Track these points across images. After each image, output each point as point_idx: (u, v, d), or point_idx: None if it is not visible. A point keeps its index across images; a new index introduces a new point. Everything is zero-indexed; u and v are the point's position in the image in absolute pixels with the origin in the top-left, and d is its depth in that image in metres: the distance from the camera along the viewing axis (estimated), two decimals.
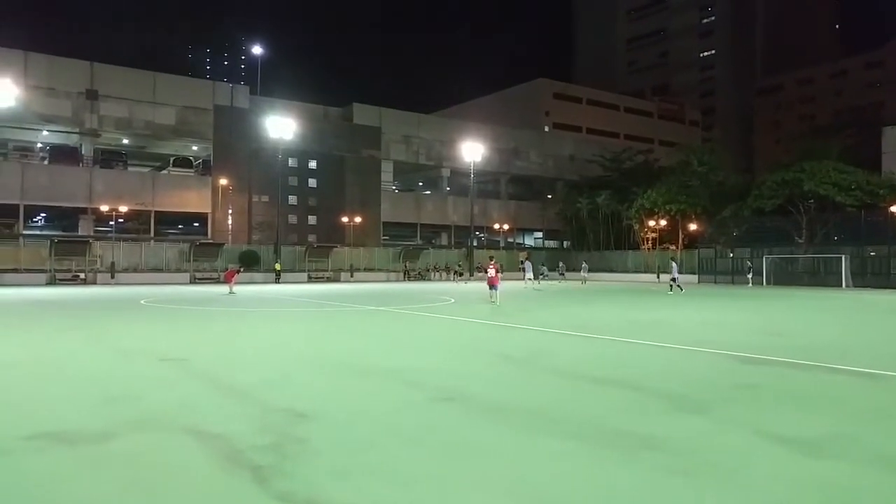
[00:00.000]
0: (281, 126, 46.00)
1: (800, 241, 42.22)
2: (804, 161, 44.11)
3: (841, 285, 37.61)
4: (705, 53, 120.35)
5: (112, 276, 41.31)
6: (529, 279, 36.42)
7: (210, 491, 4.04)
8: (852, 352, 10.40)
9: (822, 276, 40.16)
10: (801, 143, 59.55)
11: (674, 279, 30.32)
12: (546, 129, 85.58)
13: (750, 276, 40.94)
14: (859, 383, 7.70)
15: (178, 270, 44.48)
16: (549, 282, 42.95)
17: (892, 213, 38.21)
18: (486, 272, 22.85)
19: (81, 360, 9.57)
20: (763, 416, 5.92)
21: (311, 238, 57.02)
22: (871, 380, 7.87)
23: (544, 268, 48.99)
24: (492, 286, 22.26)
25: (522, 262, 40.96)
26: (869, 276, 38.55)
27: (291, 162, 57.11)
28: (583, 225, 61.57)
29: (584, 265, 46.97)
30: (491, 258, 24.75)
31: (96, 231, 49.76)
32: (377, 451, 4.78)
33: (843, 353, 10.17)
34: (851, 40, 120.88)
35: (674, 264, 31.50)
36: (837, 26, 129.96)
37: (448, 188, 67.61)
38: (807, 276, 41.02)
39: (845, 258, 38.43)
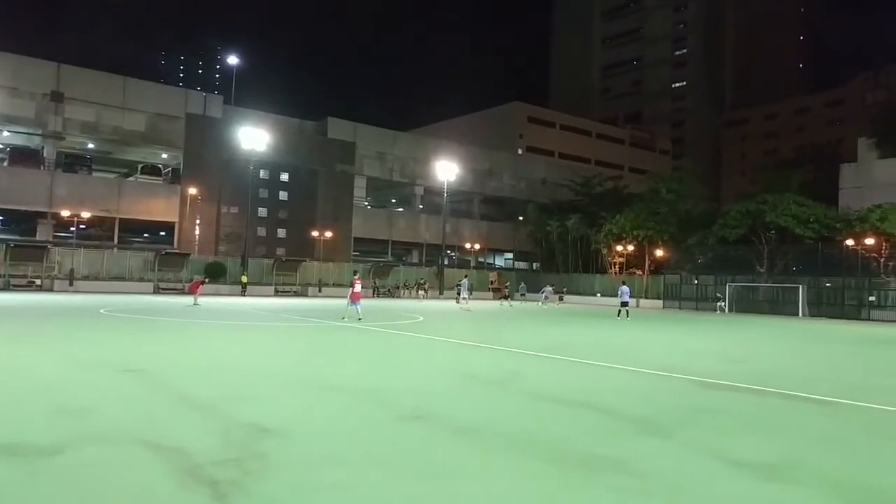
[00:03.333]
0: (254, 137, 45.67)
1: (761, 270, 43.24)
2: (767, 193, 45.40)
3: (798, 314, 38.57)
4: (677, 84, 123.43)
5: (71, 284, 40.25)
6: (464, 298, 36.32)
7: None
8: (808, 379, 10.65)
9: (781, 305, 41.13)
10: (764, 175, 61.27)
11: (624, 303, 29.37)
12: (519, 151, 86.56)
13: (719, 304, 41.19)
14: (814, 410, 7.89)
15: (141, 280, 43.54)
16: (541, 304, 42.34)
17: (847, 246, 39.44)
18: (353, 287, 21.77)
19: (34, 369, 9.28)
20: (722, 439, 6.02)
21: (280, 251, 56.42)
22: (825, 407, 8.07)
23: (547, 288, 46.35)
24: (353, 302, 21.36)
25: (459, 282, 40.30)
26: (824, 307, 39.63)
27: (263, 174, 56.58)
28: (552, 247, 62.18)
29: (547, 288, 46.56)
30: (355, 273, 23.99)
31: (56, 237, 48.47)
32: (341, 469, 4.73)
33: (800, 380, 10.41)
34: (814, 79, 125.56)
35: (624, 288, 30.35)
36: (801, 65, 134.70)
37: (421, 206, 67.73)
38: (767, 304, 41.95)
39: (802, 288, 39.47)
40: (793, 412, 7.74)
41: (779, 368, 12.31)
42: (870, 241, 38.62)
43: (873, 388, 10.20)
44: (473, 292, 54.91)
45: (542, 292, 44.77)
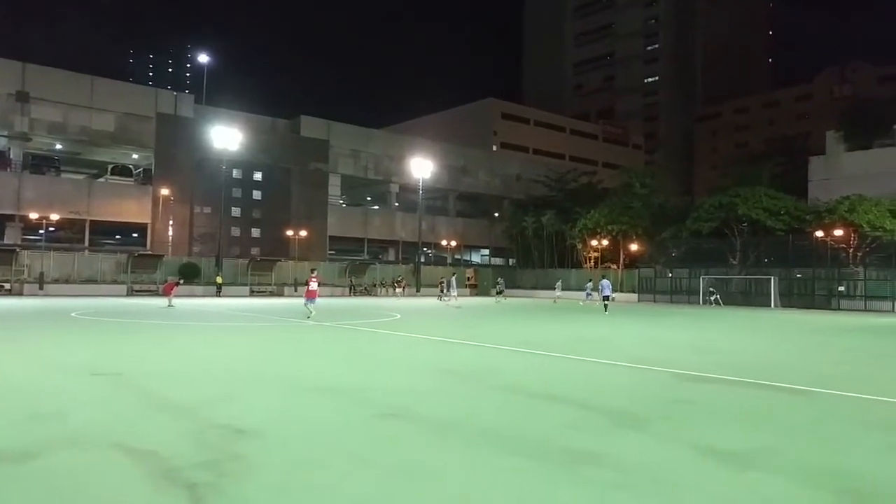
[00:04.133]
0: (226, 136, 45.12)
1: (734, 262, 43.94)
2: (738, 186, 46.13)
3: (770, 305, 39.26)
4: (649, 79, 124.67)
5: (41, 288, 39.41)
6: (453, 296, 36.68)
7: None
8: (780, 369, 10.84)
9: (754, 297, 41.87)
10: (736, 168, 62.29)
11: (606, 297, 29.39)
12: (494, 148, 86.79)
13: (713, 297, 41.33)
14: (786, 399, 8.03)
15: (114, 282, 42.80)
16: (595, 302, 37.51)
17: (817, 238, 40.25)
18: (308, 285, 21.60)
19: (5, 374, 9.06)
20: (698, 430, 6.11)
21: (255, 251, 55.90)
22: (797, 395, 8.23)
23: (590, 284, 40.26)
24: (310, 299, 21.28)
25: (443, 280, 40.65)
26: (795, 297, 40.43)
27: (236, 173, 56.01)
28: (528, 243, 62.48)
29: (558, 283, 45.42)
30: (313, 271, 23.76)
31: (24, 240, 47.46)
32: (320, 469, 4.70)
33: (772, 370, 10.60)
34: (784, 74, 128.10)
35: (604, 282, 30.39)
36: (770, 60, 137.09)
37: (396, 204, 67.59)
38: (740, 296, 42.66)
39: (774, 280, 40.22)
40: (766, 402, 7.87)
41: (752, 359, 12.52)
42: (838, 232, 39.46)
43: (843, 376, 10.43)
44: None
45: (584, 288, 41.10)
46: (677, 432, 6.03)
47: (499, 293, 43.80)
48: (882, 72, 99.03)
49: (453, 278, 38.99)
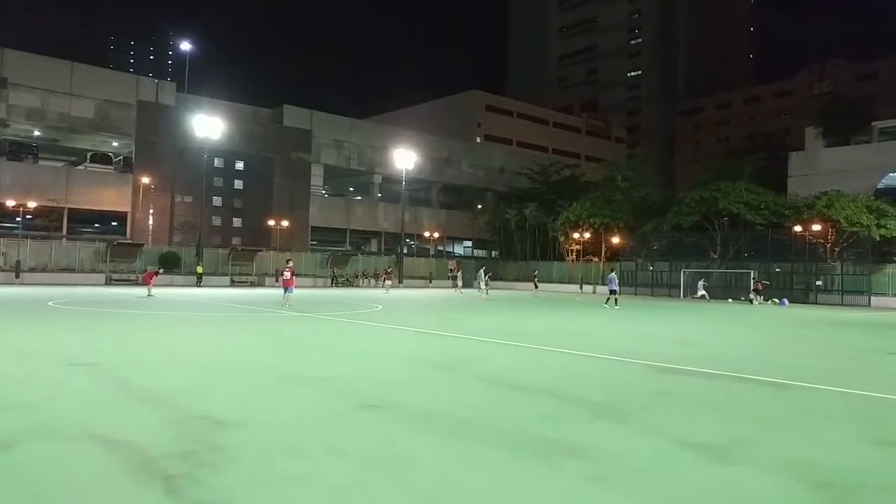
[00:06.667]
0: (208, 125, 44.60)
1: (714, 256, 44.36)
2: (719, 180, 46.51)
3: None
4: (632, 73, 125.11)
5: (17, 276, 38.79)
6: (483, 288, 37.80)
7: (117, 503, 3.83)
8: (758, 362, 10.98)
9: (734, 290, 42.30)
10: (717, 163, 62.81)
11: (613, 291, 28.75)
12: (478, 140, 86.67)
13: (766, 299, 38.00)
14: (764, 392, 8.14)
15: (92, 271, 42.23)
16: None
17: (796, 232, 40.74)
18: (282, 275, 22.53)
19: None
20: (676, 423, 6.17)
21: (236, 241, 55.41)
22: (774, 388, 8.34)
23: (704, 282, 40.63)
24: (286, 289, 22.34)
25: (453, 271, 41.65)
26: (773, 291, 40.91)
27: (217, 162, 55.37)
28: (511, 235, 62.57)
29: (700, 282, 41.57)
30: (288, 261, 24.54)
31: (1, 227, 46.63)
32: (299, 460, 4.68)
33: (750, 363, 10.73)
34: (764, 70, 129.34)
35: (612, 276, 29.95)
36: (752, 56, 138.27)
37: (379, 194, 67.27)
38: (720, 289, 43.09)
39: (753, 274, 40.68)
40: (744, 394, 7.97)
41: (730, 352, 12.67)
42: (816, 227, 39.95)
43: (819, 369, 10.60)
44: (433, 280, 55.14)
45: (699, 285, 40.40)
46: (656, 425, 6.08)
47: (536, 287, 44.11)
48: (860, 69, 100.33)
49: (481, 271, 39.63)
